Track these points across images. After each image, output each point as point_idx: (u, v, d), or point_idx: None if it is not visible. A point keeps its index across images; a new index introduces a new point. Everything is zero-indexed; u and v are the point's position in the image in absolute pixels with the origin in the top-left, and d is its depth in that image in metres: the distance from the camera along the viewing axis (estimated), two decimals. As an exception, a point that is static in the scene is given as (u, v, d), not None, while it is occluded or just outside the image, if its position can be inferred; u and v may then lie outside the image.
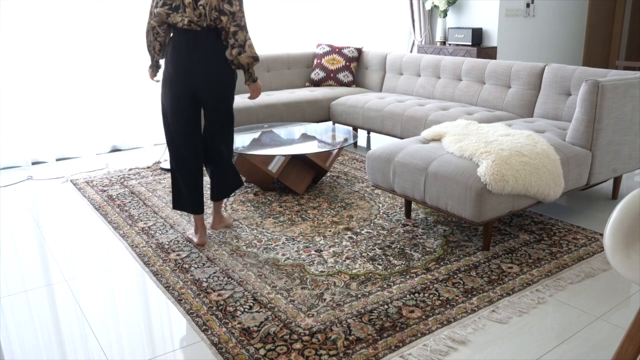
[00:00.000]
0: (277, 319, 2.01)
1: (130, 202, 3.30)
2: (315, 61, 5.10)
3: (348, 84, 5.06)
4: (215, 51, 2.50)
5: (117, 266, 2.50)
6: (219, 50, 2.51)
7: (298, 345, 1.86)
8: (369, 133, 5.13)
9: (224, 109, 2.60)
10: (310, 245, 2.65)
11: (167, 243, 2.70)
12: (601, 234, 2.76)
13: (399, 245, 2.64)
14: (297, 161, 3.42)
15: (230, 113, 2.65)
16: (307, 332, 1.93)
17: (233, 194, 3.41)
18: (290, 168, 3.38)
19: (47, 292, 2.28)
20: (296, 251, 2.58)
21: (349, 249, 2.60)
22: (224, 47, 2.53)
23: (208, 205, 3.20)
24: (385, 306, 2.10)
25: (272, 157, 3.29)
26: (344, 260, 2.48)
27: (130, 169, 4.01)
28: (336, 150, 3.50)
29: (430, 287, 2.24)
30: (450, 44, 5.83)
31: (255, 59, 2.54)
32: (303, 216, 3.03)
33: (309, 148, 3.29)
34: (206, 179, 3.66)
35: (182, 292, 2.22)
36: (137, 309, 2.13)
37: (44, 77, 4.22)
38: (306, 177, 3.42)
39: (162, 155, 4.36)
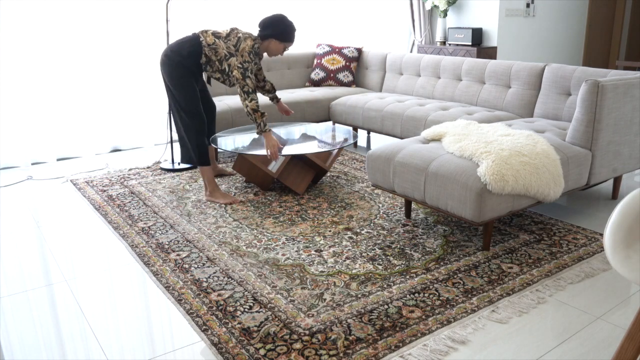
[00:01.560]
0: (277, 319, 2.02)
1: (130, 202, 3.30)
2: (315, 61, 5.11)
3: (348, 84, 5.06)
4: (174, 47, 3.17)
5: (117, 266, 2.50)
6: (176, 48, 3.15)
7: (298, 345, 1.86)
8: (369, 133, 5.13)
9: (170, 92, 3.25)
10: (310, 245, 2.65)
11: (167, 243, 2.70)
12: (601, 234, 2.76)
13: (399, 245, 2.64)
14: (297, 161, 3.42)
15: (175, 98, 3.21)
16: (307, 332, 1.93)
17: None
18: (290, 168, 3.38)
19: (47, 292, 2.28)
20: (296, 251, 2.58)
21: (349, 249, 2.60)
22: (187, 49, 3.14)
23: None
24: (385, 306, 2.10)
25: None
26: (344, 260, 2.48)
27: (130, 169, 4.01)
28: (336, 151, 3.50)
29: (430, 287, 2.24)
30: (450, 44, 5.83)
31: (254, 110, 3.10)
32: (303, 216, 3.03)
33: (309, 148, 3.29)
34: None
35: (182, 292, 2.22)
36: (137, 309, 2.13)
37: (44, 77, 4.22)
38: (306, 177, 3.42)
39: (162, 155, 4.37)
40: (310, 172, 3.45)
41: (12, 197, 3.48)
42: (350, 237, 2.74)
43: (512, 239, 2.70)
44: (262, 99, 4.36)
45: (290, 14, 5.32)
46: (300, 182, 3.39)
